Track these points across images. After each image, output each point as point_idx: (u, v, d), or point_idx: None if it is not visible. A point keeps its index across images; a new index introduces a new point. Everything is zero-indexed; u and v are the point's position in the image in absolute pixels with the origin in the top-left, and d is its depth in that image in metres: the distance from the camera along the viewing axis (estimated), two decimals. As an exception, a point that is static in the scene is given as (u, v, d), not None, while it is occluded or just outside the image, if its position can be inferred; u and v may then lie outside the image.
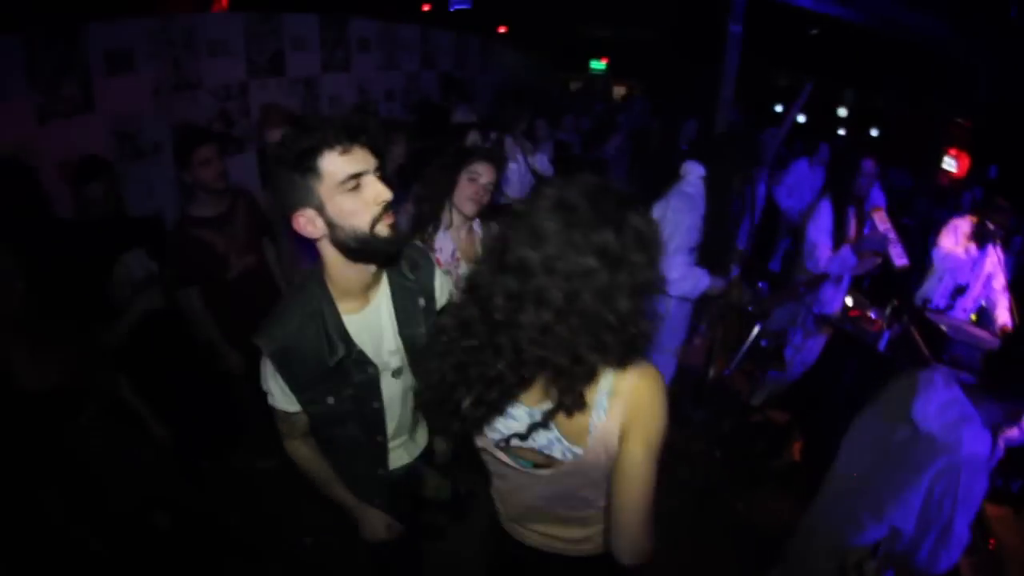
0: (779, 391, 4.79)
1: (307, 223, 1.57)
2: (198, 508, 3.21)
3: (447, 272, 2.76)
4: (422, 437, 2.22)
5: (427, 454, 2.25)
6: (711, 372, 4.73)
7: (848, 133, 11.58)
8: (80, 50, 4.21)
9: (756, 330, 4.53)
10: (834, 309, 4.35)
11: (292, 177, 1.52)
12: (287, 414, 1.81)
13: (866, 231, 4.13)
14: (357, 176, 1.54)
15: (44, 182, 3.77)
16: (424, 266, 1.93)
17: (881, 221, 3.94)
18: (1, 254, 2.25)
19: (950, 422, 2.01)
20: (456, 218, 2.96)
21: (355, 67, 7.44)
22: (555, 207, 1.25)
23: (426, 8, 8.51)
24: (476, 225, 3.07)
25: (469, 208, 2.89)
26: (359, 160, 1.54)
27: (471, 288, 1.40)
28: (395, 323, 1.83)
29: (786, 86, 12.31)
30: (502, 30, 10.40)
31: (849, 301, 4.39)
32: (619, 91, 13.99)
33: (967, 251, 4.38)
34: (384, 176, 1.61)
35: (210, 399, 3.50)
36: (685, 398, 4.59)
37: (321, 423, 1.86)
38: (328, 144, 1.50)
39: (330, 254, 1.64)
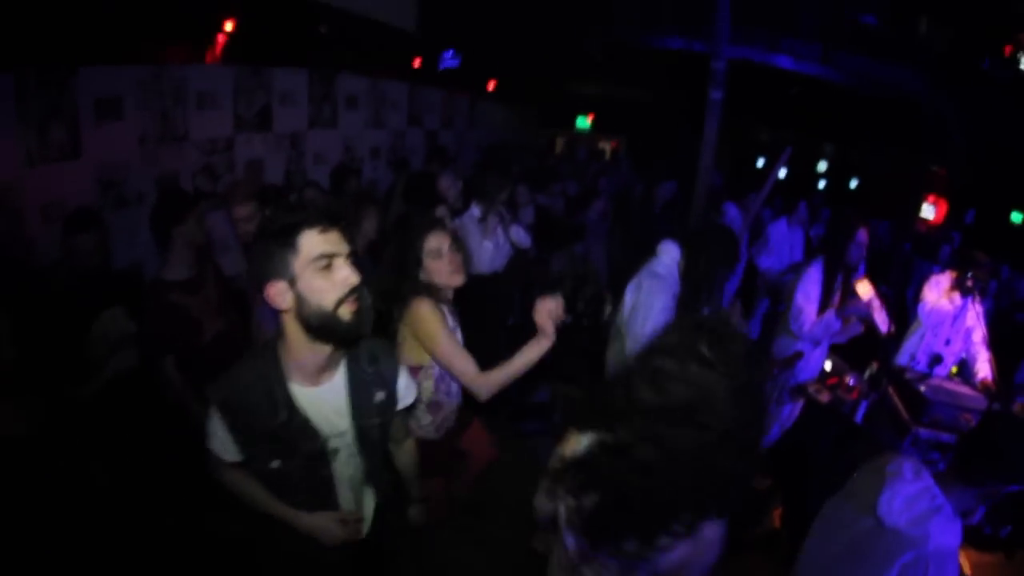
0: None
1: (278, 294, 1.63)
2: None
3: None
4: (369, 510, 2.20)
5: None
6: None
7: (827, 186, 11.81)
8: (70, 95, 4.24)
9: None
10: (812, 374, 4.32)
11: (271, 249, 1.60)
12: (220, 459, 1.84)
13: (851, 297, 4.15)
14: (330, 256, 1.62)
15: (27, 226, 3.77)
16: (385, 361, 1.97)
17: (866, 291, 3.97)
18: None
19: (917, 515, 1.96)
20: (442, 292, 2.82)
21: (342, 123, 7.54)
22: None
23: (415, 65, 8.65)
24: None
25: (456, 280, 2.76)
26: (334, 242, 1.63)
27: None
28: (349, 410, 1.87)
29: (767, 140, 12.58)
30: (491, 87, 10.59)
31: (828, 365, 4.37)
32: (604, 146, 14.24)
33: (951, 300, 4.41)
34: (355, 262, 1.68)
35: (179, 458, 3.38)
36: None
37: (269, 486, 1.89)
38: (309, 223, 1.60)
39: (292, 328, 1.69)
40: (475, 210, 4.82)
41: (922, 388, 3.70)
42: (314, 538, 1.95)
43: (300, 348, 1.71)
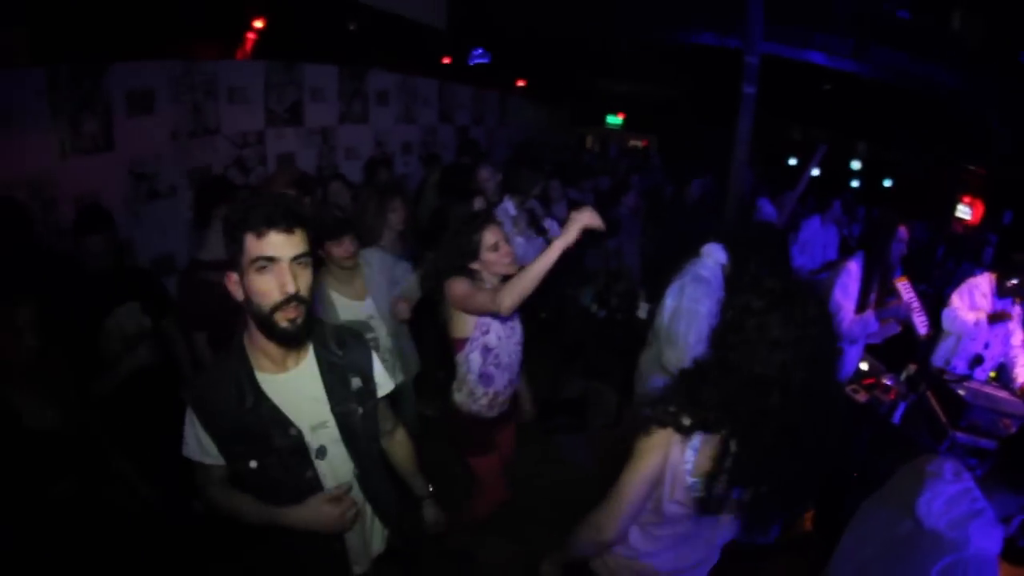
0: None
1: (234, 285, 1.66)
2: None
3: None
4: (378, 537, 2.13)
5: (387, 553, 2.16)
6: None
7: (861, 185, 11.52)
8: (103, 89, 4.28)
9: None
10: (847, 373, 4.18)
11: (227, 241, 1.62)
12: (202, 465, 1.79)
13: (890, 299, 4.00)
14: (269, 260, 1.58)
15: (60, 216, 3.79)
16: (355, 347, 1.94)
17: (906, 290, 3.83)
18: (22, 308, 2.23)
19: (957, 518, 1.87)
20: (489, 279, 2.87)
21: (372, 119, 7.53)
22: None
23: (446, 61, 8.64)
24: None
25: (512, 269, 2.81)
26: (276, 246, 1.58)
27: None
28: (326, 398, 1.83)
29: (800, 139, 12.35)
30: (520, 84, 10.54)
31: (864, 366, 4.22)
32: (636, 144, 14.10)
33: (989, 303, 4.23)
34: (311, 264, 1.67)
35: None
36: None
37: (253, 491, 1.81)
38: (249, 224, 1.57)
39: (250, 318, 1.69)
40: (508, 204, 4.74)
41: (961, 391, 3.56)
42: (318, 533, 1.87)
43: (260, 337, 1.70)
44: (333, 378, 1.84)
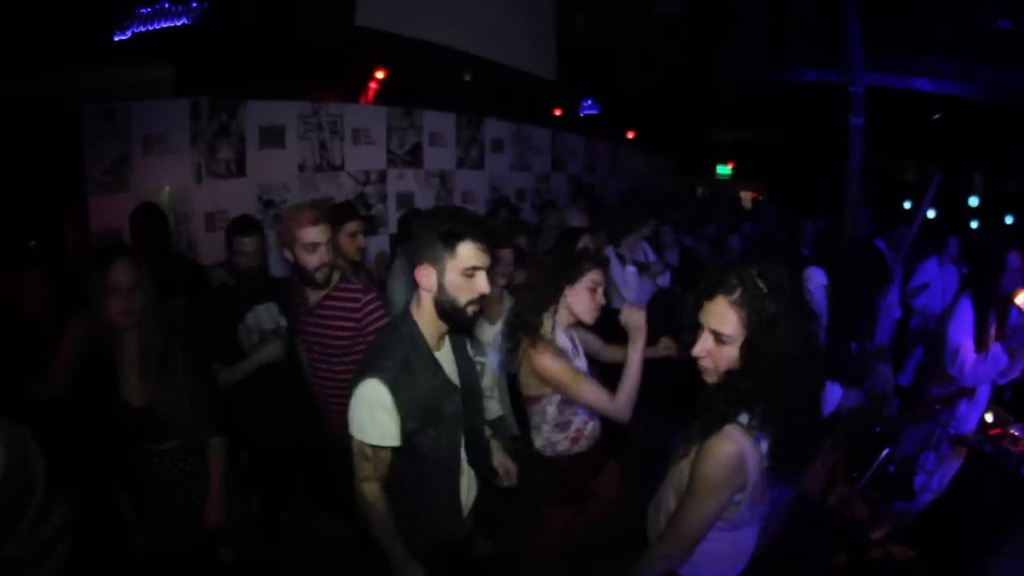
0: (904, 522, 3.99)
1: (425, 276, 1.94)
2: (261, 555, 3.09)
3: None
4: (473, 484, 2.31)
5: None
6: (829, 499, 4.00)
7: (981, 224, 10.55)
8: (239, 121, 4.56)
9: (884, 454, 3.80)
10: (970, 427, 3.62)
11: (435, 242, 1.90)
12: (377, 449, 1.96)
13: (1011, 324, 3.47)
14: (477, 268, 1.93)
15: (193, 230, 3.95)
16: (476, 336, 2.39)
17: None
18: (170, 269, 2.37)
19: None
20: (567, 318, 2.80)
21: (488, 165, 7.66)
22: None
23: (557, 113, 8.74)
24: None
25: (590, 319, 2.78)
26: (483, 258, 1.93)
27: None
28: (456, 369, 2.12)
29: (913, 179, 11.60)
30: (630, 135, 10.52)
31: (989, 417, 3.68)
32: (746, 196, 13.75)
33: None
34: (491, 272, 2.01)
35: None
36: (797, 527, 3.89)
37: (421, 466, 2.05)
38: (473, 236, 1.90)
39: (427, 304, 1.99)
40: (609, 250, 4.70)
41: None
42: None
43: (431, 319, 2.00)
44: (462, 356, 2.16)
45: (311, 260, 2.78)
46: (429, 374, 1.99)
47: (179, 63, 4.40)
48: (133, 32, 4.19)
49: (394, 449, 1.96)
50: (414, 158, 6.54)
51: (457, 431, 2.10)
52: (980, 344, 3.46)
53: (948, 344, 3.52)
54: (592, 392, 2.52)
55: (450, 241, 1.89)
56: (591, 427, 2.80)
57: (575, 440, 2.75)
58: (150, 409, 2.34)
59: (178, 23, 4.31)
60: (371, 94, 6.19)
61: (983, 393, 3.66)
